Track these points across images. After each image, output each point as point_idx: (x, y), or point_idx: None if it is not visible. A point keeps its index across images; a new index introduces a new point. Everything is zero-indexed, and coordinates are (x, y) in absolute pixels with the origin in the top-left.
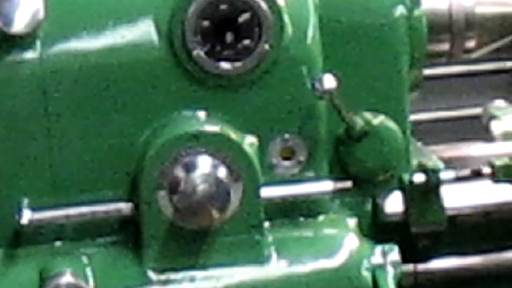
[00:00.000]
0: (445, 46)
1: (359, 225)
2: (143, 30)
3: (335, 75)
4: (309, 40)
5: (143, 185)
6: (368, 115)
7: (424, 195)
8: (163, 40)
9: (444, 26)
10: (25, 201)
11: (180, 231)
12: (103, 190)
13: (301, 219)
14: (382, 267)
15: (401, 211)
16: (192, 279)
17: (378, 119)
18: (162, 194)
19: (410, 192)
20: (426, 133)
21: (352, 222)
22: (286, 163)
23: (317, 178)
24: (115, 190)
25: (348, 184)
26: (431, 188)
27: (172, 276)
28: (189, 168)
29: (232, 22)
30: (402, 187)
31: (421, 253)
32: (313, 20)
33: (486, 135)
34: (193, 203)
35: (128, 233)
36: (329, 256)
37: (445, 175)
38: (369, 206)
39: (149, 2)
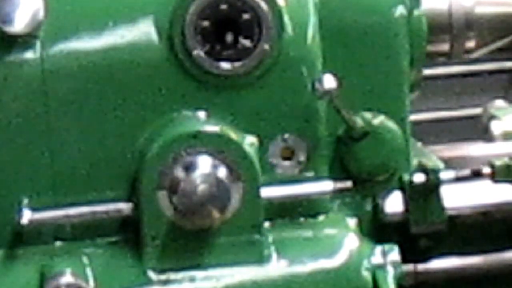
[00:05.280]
0: (445, 46)
1: (359, 225)
2: (143, 30)
3: (335, 75)
4: (309, 40)
5: (143, 185)
6: (368, 115)
7: (424, 195)
8: (163, 40)
9: (444, 26)
10: (25, 201)
11: (180, 231)
12: (103, 190)
13: (301, 219)
14: (382, 267)
15: (401, 211)
16: (192, 279)
17: (378, 119)
18: (162, 194)
19: (410, 192)
20: (426, 133)
21: (352, 222)
22: (286, 163)
23: (317, 178)
24: (115, 190)
25: (348, 184)
26: (431, 188)
27: (172, 276)
28: (189, 168)
29: (232, 22)
30: (402, 187)
31: (421, 253)
32: (313, 20)
33: (486, 135)
34: (193, 203)
35: (128, 233)
36: (329, 256)
37: (445, 175)
38: (369, 206)
39: (149, 2)
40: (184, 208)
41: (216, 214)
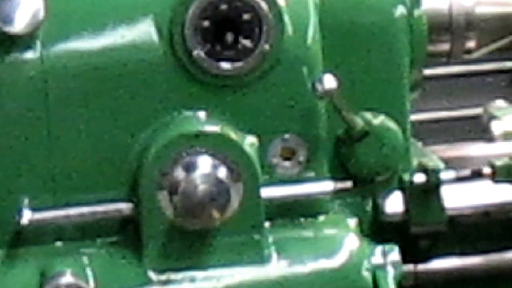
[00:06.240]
0: (445, 46)
1: (359, 225)
2: (143, 30)
3: (335, 75)
4: (309, 40)
5: (143, 185)
6: (368, 115)
7: (424, 195)
8: (163, 40)
9: (444, 26)
10: (25, 201)
11: (180, 231)
12: (103, 190)
13: (302, 219)
14: (382, 267)
15: (401, 211)
16: (192, 279)
17: (378, 119)
18: (162, 194)
19: (410, 192)
20: (426, 133)
21: (352, 222)
22: (286, 163)
23: (317, 178)
24: (115, 190)
25: (348, 184)
26: (431, 188)
27: (172, 276)
28: (189, 168)
29: (232, 22)
30: (402, 187)
31: (421, 253)
32: (313, 20)
33: (486, 135)
34: (193, 203)
35: (128, 233)
36: (329, 256)
37: (445, 175)
38: (369, 206)
39: (149, 2)
40: (184, 208)
41: (216, 214)
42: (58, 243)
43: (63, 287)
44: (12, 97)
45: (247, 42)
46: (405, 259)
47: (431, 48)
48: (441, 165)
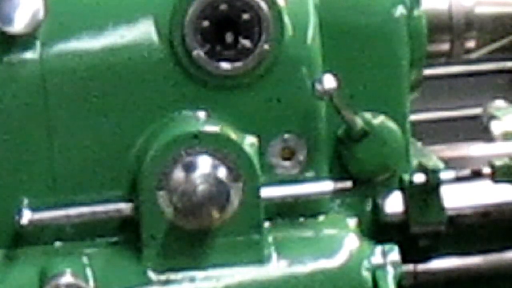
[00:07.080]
0: (445, 46)
1: (359, 225)
2: (143, 30)
3: (335, 75)
4: (309, 40)
5: (143, 185)
6: (368, 115)
7: (424, 195)
8: (163, 40)
9: (444, 26)
10: (25, 201)
11: (180, 231)
12: (103, 190)
13: (301, 219)
14: (382, 267)
15: (401, 211)
16: (192, 279)
17: (378, 119)
18: (162, 194)
19: (410, 192)
20: (426, 133)
21: (352, 222)
22: (286, 163)
23: (317, 178)
24: (115, 190)
25: (348, 184)
26: (431, 188)
27: (172, 276)
28: (189, 168)
29: (232, 22)
30: (402, 187)
31: (421, 253)
32: (313, 20)
33: (486, 135)
34: (193, 203)
35: (128, 233)
36: (329, 256)
37: (445, 175)
38: (369, 206)
39: (149, 2)
40: (184, 208)
41: (215, 214)
42: (58, 243)
43: (63, 287)
44: (12, 97)
45: (247, 42)
46: (405, 259)
47: (431, 48)
48: (441, 165)
